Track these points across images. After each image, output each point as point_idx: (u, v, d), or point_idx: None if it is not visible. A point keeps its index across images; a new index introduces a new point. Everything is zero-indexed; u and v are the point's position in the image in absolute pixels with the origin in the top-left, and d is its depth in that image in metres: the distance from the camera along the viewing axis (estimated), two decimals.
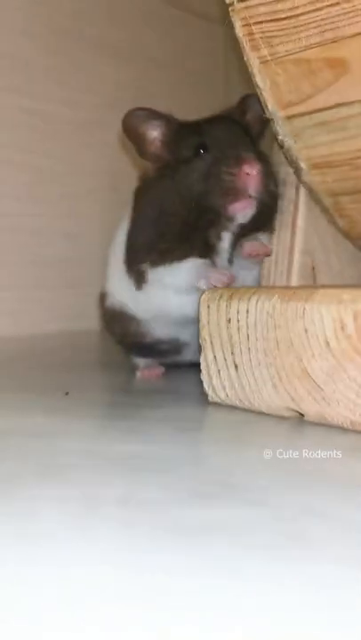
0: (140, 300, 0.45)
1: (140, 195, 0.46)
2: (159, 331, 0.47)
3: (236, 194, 0.40)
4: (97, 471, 0.25)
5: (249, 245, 0.42)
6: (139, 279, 0.44)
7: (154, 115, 0.45)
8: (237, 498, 0.22)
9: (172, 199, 0.42)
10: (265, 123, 0.45)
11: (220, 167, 0.40)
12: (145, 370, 0.48)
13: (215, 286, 0.39)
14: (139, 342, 0.48)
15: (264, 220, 0.43)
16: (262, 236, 0.44)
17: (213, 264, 0.42)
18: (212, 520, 0.20)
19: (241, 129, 0.44)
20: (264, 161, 0.42)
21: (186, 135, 0.44)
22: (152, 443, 0.29)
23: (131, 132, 0.45)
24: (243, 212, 0.41)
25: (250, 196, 0.40)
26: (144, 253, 0.44)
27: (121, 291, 0.47)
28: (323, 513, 0.21)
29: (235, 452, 0.28)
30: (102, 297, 0.50)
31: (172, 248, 0.42)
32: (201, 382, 0.37)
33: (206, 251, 0.42)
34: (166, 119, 0.45)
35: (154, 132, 0.45)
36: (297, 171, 0.42)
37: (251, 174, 0.39)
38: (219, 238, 0.42)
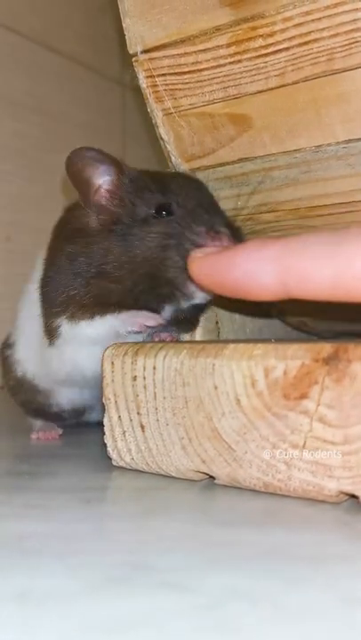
0: (51, 359, 0.40)
1: (68, 237, 0.39)
2: (65, 399, 0.44)
3: None
4: None
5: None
6: (52, 334, 0.39)
7: (104, 158, 0.38)
8: (154, 582, 0.20)
9: (117, 262, 0.36)
10: None
11: (187, 237, 0.35)
12: (41, 432, 0.45)
13: (146, 327, 0.36)
14: (43, 411, 0.45)
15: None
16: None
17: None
18: (128, 612, 0.18)
19: (213, 195, 0.38)
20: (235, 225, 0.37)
21: (144, 189, 0.37)
22: (52, 519, 0.26)
23: (75, 175, 0.38)
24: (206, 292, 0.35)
25: None
26: (61, 305, 0.38)
27: (29, 352, 0.43)
28: (248, 594, 0.19)
29: (145, 525, 0.25)
30: (5, 347, 0.47)
31: (98, 304, 0.37)
32: (104, 444, 0.35)
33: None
34: (119, 165, 0.38)
35: (101, 179, 0.38)
36: None
37: (223, 246, 0.33)
38: (160, 309, 0.37)
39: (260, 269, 0.27)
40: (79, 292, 0.37)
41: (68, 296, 0.38)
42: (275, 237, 0.28)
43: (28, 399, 0.45)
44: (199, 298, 0.36)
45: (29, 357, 0.44)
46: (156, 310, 0.37)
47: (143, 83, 0.37)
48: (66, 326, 0.38)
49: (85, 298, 0.37)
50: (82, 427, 0.47)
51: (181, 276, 0.35)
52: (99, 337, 0.38)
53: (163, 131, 0.38)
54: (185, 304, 0.37)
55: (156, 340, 0.39)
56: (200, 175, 0.39)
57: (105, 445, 0.35)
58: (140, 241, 0.36)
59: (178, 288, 0.36)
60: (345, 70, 0.32)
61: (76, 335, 0.38)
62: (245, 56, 0.34)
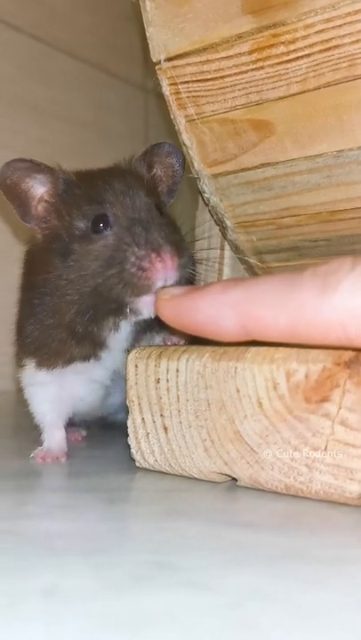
0: None
1: (27, 270, 0.39)
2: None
3: (145, 288, 0.34)
4: (15, 556, 0.22)
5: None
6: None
7: (38, 168, 0.37)
8: (176, 581, 0.20)
9: (63, 286, 0.35)
10: (177, 177, 0.41)
11: (127, 255, 0.34)
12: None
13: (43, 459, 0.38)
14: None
15: None
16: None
17: (101, 360, 0.38)
18: (150, 610, 0.18)
19: (149, 195, 0.37)
20: (175, 234, 0.36)
21: (81, 199, 0.36)
22: (77, 518, 0.27)
23: (9, 189, 0.37)
24: (152, 307, 0.34)
25: None
26: (27, 348, 0.38)
27: None
28: (269, 594, 0.19)
29: (167, 525, 0.26)
30: None
31: (55, 351, 0.37)
32: (127, 445, 0.35)
33: (95, 348, 0.37)
34: (54, 174, 0.37)
35: (39, 190, 0.37)
36: (223, 229, 0.42)
37: (166, 267, 0.33)
38: (116, 328, 0.36)
39: (222, 315, 0.28)
40: (38, 332, 0.37)
41: (30, 336, 0.38)
42: (236, 280, 0.29)
43: None
44: (147, 313, 0.35)
45: None
46: (113, 332, 0.37)
47: (166, 90, 0.38)
48: (29, 369, 0.40)
49: (44, 341, 0.37)
50: (107, 428, 0.48)
51: (128, 294, 0.34)
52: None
53: (185, 137, 0.39)
54: (133, 319, 0.36)
55: (168, 343, 0.39)
56: (222, 180, 0.39)
57: (128, 447, 0.35)
58: (81, 261, 0.35)
59: (124, 305, 0.35)
60: None
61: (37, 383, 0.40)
62: (267, 63, 0.34)
